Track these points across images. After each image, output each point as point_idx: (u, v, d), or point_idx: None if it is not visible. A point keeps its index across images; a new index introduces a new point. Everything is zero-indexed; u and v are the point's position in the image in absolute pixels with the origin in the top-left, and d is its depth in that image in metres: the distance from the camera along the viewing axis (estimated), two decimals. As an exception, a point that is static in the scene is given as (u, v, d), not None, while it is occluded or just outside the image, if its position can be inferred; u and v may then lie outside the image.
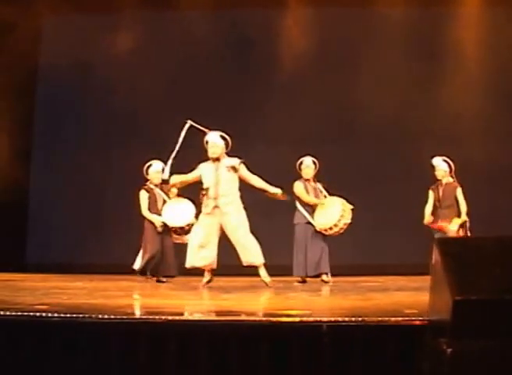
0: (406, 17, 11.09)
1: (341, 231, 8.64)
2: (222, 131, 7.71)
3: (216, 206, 7.53)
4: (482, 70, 10.91)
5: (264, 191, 7.72)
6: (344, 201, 8.68)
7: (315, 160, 8.99)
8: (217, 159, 7.65)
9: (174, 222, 8.64)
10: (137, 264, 8.89)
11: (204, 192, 7.65)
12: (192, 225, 8.27)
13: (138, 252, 8.95)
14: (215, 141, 7.68)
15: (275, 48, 10.91)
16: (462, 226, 8.69)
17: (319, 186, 8.95)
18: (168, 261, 8.79)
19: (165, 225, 8.75)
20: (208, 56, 11.23)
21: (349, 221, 8.60)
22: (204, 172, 7.70)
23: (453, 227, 8.63)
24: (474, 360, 3.32)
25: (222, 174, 7.60)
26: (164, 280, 8.73)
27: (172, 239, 8.82)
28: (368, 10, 11.15)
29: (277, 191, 7.68)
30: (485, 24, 10.99)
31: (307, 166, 8.97)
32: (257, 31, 11.24)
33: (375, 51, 11.01)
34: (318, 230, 8.68)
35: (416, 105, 10.92)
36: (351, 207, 8.62)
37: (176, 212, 8.68)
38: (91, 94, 11.56)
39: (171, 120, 11.33)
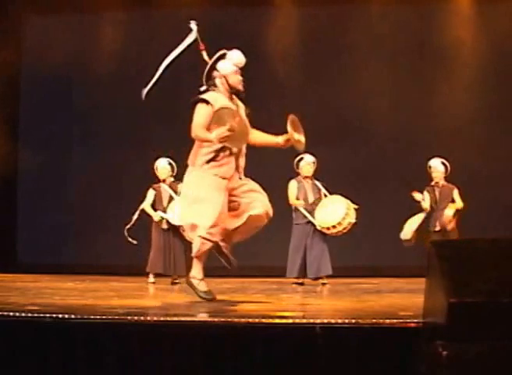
0: (401, 15, 11.08)
1: (344, 231, 8.33)
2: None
3: None
4: (480, 70, 10.90)
5: None
6: (347, 200, 8.41)
7: (314, 158, 8.77)
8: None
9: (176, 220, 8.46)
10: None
11: None
12: None
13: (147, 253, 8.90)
14: None
15: (265, 46, 10.88)
16: (454, 215, 8.70)
17: (318, 184, 8.71)
18: (177, 259, 8.66)
19: (170, 223, 8.67)
20: (197, 55, 11.18)
21: (353, 221, 8.30)
22: None
23: (448, 212, 8.63)
24: (470, 363, 3.31)
25: None
26: (177, 281, 8.52)
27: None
28: (363, 8, 11.14)
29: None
30: (482, 22, 10.99)
31: (308, 163, 8.73)
32: (246, 30, 11.19)
33: (370, 50, 11.00)
34: (318, 228, 8.42)
35: (413, 105, 10.90)
36: (355, 206, 8.36)
37: None
38: (79, 92, 11.53)
39: (163, 119, 11.35)
